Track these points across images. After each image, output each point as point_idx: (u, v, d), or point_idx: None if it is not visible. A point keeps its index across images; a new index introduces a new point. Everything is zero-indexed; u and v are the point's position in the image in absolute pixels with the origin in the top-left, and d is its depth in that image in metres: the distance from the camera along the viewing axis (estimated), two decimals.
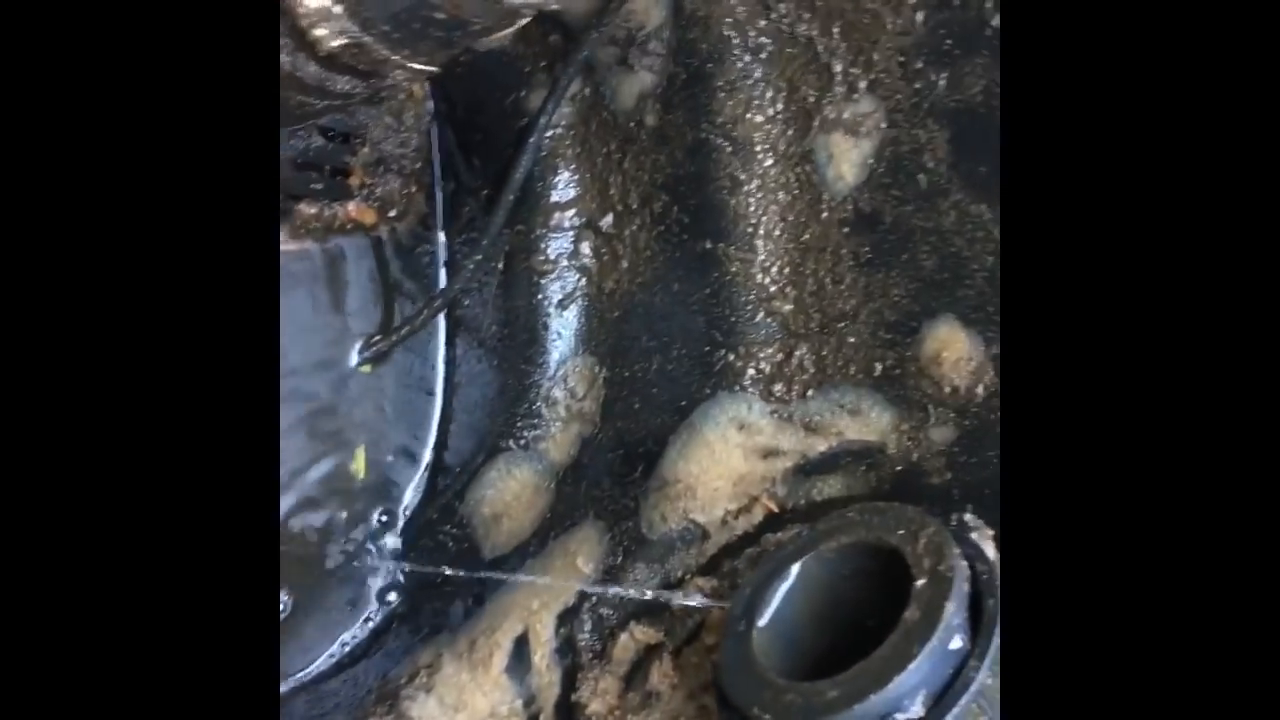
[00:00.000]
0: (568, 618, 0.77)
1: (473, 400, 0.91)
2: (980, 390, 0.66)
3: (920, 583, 0.54)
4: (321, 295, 0.87)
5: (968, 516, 0.60)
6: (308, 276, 0.86)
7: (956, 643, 0.53)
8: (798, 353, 0.75)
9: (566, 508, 0.83)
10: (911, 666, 0.51)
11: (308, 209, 0.84)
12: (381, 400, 0.90)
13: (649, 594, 0.70)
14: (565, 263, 0.86)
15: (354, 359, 0.88)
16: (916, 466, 0.67)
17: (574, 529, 0.81)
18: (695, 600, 0.67)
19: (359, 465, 0.88)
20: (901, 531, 0.57)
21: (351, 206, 0.86)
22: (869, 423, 0.71)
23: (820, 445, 0.73)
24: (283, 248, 0.84)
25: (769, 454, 0.75)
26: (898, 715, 0.52)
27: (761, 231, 0.77)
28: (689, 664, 0.69)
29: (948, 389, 0.67)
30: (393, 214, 0.89)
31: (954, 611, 0.52)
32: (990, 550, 0.59)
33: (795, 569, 0.60)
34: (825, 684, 0.53)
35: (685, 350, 0.80)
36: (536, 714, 0.74)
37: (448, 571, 0.82)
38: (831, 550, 0.60)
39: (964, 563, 0.55)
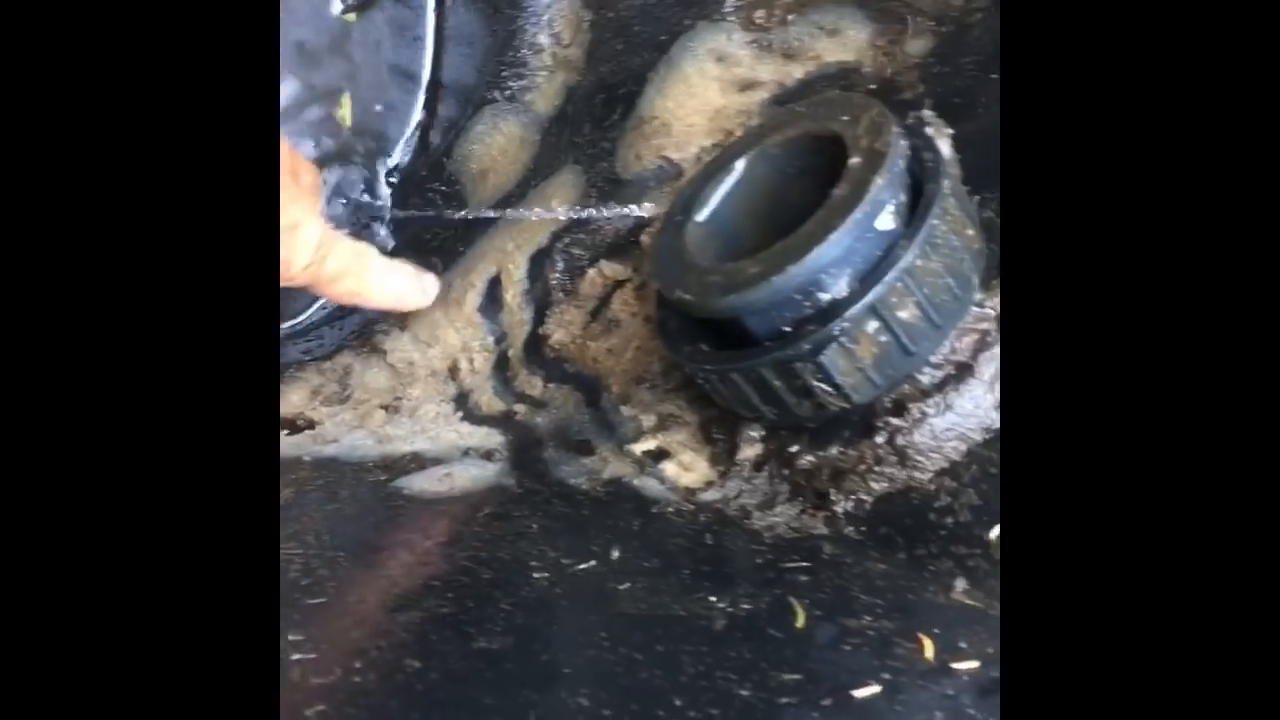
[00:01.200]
0: (540, 258, 0.76)
1: (462, 53, 0.87)
2: None
3: (854, 160, 0.51)
4: None
5: (925, 113, 0.57)
6: None
7: (888, 222, 0.50)
8: None
9: (549, 157, 0.80)
10: (831, 238, 0.49)
11: None
12: (370, 52, 0.87)
13: (597, 212, 0.68)
14: None
15: (337, 7, 0.85)
16: (890, 82, 0.63)
17: (553, 176, 0.79)
18: (647, 210, 0.65)
19: (345, 112, 0.86)
20: (845, 117, 0.54)
21: None
22: (847, 42, 0.67)
23: (798, 72, 0.69)
24: None
25: (746, 86, 0.71)
26: (820, 294, 0.50)
27: None
28: (650, 294, 0.67)
29: None
30: None
31: (882, 186, 0.49)
32: (945, 147, 0.55)
33: (739, 165, 0.57)
34: (747, 262, 0.51)
35: None
36: (506, 349, 0.74)
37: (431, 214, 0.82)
38: (776, 145, 0.57)
39: (903, 143, 0.51)
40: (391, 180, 0.88)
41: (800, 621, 0.44)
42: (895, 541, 0.50)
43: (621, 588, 0.48)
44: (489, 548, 0.52)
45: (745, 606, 0.45)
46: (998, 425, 0.50)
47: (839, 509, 0.52)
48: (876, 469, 0.52)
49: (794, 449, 0.54)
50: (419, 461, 0.63)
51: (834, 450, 0.53)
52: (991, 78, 0.58)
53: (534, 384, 0.70)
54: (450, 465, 0.62)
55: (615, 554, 0.51)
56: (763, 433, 0.56)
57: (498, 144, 0.84)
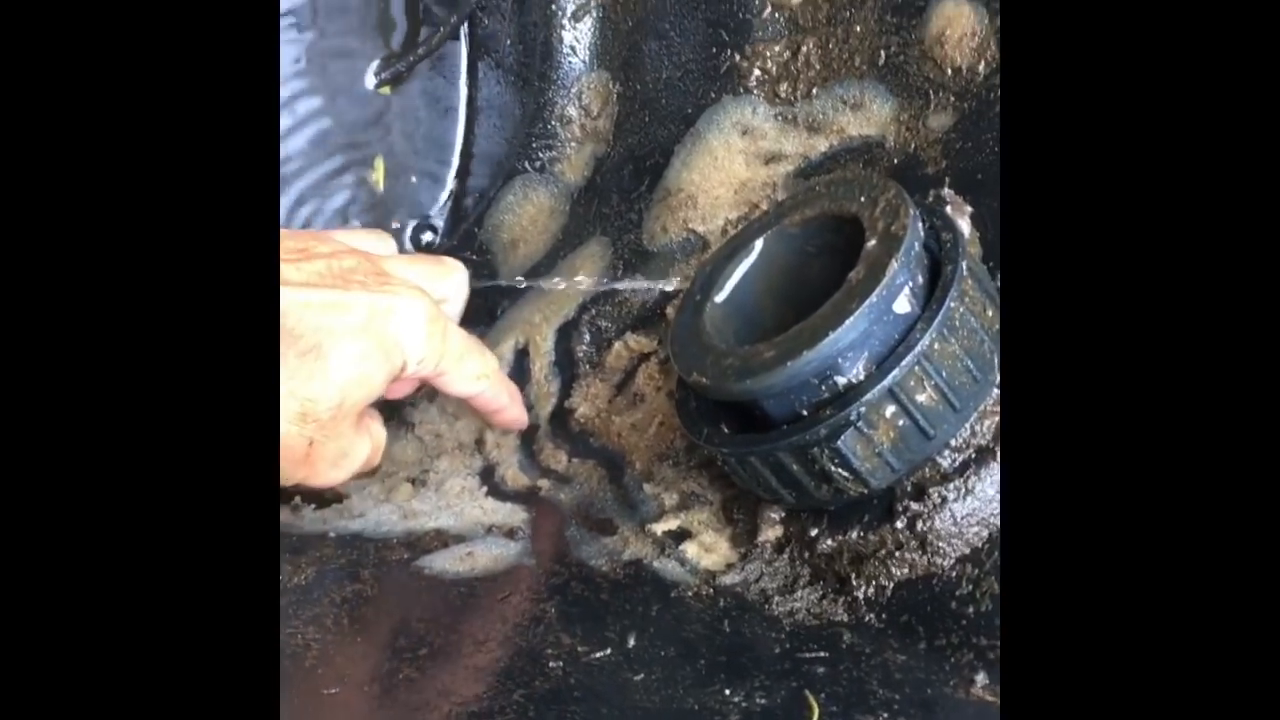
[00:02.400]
0: (567, 330, 0.76)
1: (493, 124, 0.88)
2: (981, 68, 0.61)
3: (870, 243, 0.51)
4: (336, 13, 0.85)
5: (945, 192, 0.56)
6: None
7: (904, 305, 0.50)
8: (804, 48, 0.70)
9: (577, 227, 0.81)
10: (848, 323, 0.48)
11: None
12: (405, 124, 0.89)
13: (623, 285, 0.69)
14: None
15: (371, 81, 0.87)
16: (913, 157, 0.63)
17: (581, 247, 0.79)
18: (673, 285, 0.65)
19: (378, 175, 0.87)
20: (863, 198, 0.53)
21: None
22: (870, 116, 0.66)
23: (822, 145, 0.69)
24: None
25: (771, 159, 0.71)
26: (837, 377, 0.50)
27: None
28: (672, 369, 0.67)
29: (949, 70, 0.62)
30: None
31: (898, 270, 0.49)
32: (964, 225, 0.55)
33: (758, 245, 0.57)
34: (764, 346, 0.51)
35: (693, 55, 0.76)
36: (534, 421, 0.74)
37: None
38: (795, 225, 0.57)
39: (920, 224, 0.51)
40: (423, 243, 0.89)
41: (815, 718, 0.43)
42: (915, 630, 0.49)
43: (636, 678, 0.47)
44: (505, 634, 0.52)
45: (760, 701, 0.44)
46: None
47: (860, 594, 0.51)
48: (897, 554, 0.51)
49: (814, 532, 0.54)
50: (442, 539, 0.63)
51: (854, 534, 0.53)
52: None
53: (559, 459, 0.70)
54: (473, 544, 0.62)
55: (632, 641, 0.50)
56: (783, 515, 0.55)
57: (528, 214, 0.84)
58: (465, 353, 0.64)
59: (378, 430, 0.64)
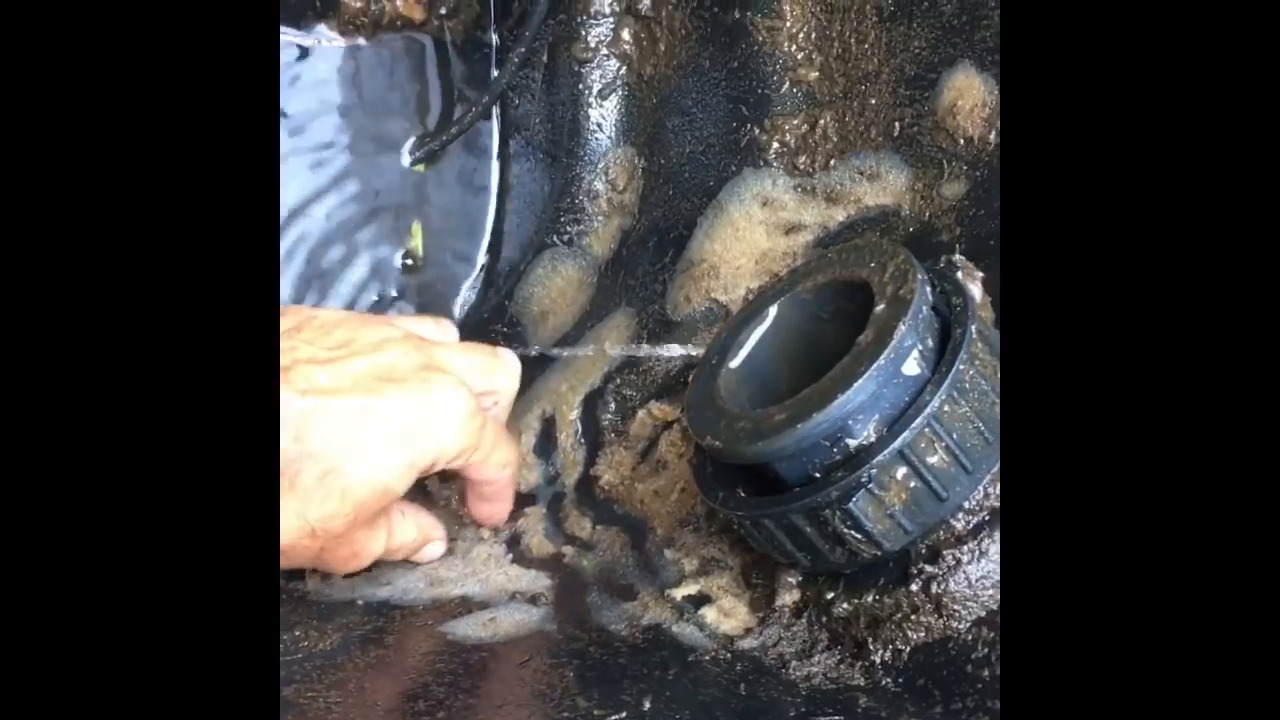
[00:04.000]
0: (593, 400, 0.77)
1: (523, 200, 0.91)
2: (992, 137, 0.62)
3: (879, 307, 0.51)
4: (373, 94, 0.88)
5: (956, 257, 0.57)
6: (358, 74, 0.87)
7: (913, 368, 0.50)
8: (821, 121, 0.72)
9: (605, 299, 0.82)
10: (856, 385, 0.49)
11: (353, 3, 0.85)
12: (438, 201, 0.91)
13: (642, 351, 0.70)
14: (605, 50, 0.84)
15: (406, 159, 0.90)
16: (928, 224, 0.64)
17: (607, 317, 0.81)
18: (680, 352, 0.66)
19: (416, 242, 0.89)
20: (873, 264, 0.54)
21: (399, 1, 0.87)
22: (886, 186, 0.68)
23: (840, 215, 0.70)
24: (330, 44, 0.86)
25: (791, 229, 0.72)
26: (848, 440, 0.50)
27: None
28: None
29: (962, 140, 0.63)
30: (443, 11, 0.89)
31: (906, 332, 0.49)
32: (976, 290, 0.56)
33: (772, 311, 0.58)
34: (775, 409, 0.52)
35: (714, 130, 0.78)
36: (561, 489, 0.75)
37: None
38: (808, 291, 0.58)
39: (928, 288, 0.51)
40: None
41: None
42: (932, 694, 0.49)
43: None
44: (522, 698, 0.52)
45: None
46: None
47: (876, 658, 0.51)
48: (913, 618, 0.51)
49: (830, 595, 0.54)
50: (467, 605, 0.63)
51: (870, 598, 0.53)
52: None
53: (583, 526, 0.70)
54: (496, 609, 0.62)
55: (647, 704, 0.50)
56: (800, 579, 0.56)
57: (556, 286, 0.86)
58: (496, 444, 0.64)
59: (401, 526, 0.64)
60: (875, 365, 0.49)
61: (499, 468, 0.66)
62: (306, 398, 0.55)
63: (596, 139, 0.85)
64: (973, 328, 0.51)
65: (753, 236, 0.73)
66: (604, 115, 0.85)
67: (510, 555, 0.70)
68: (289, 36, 0.84)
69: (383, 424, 0.58)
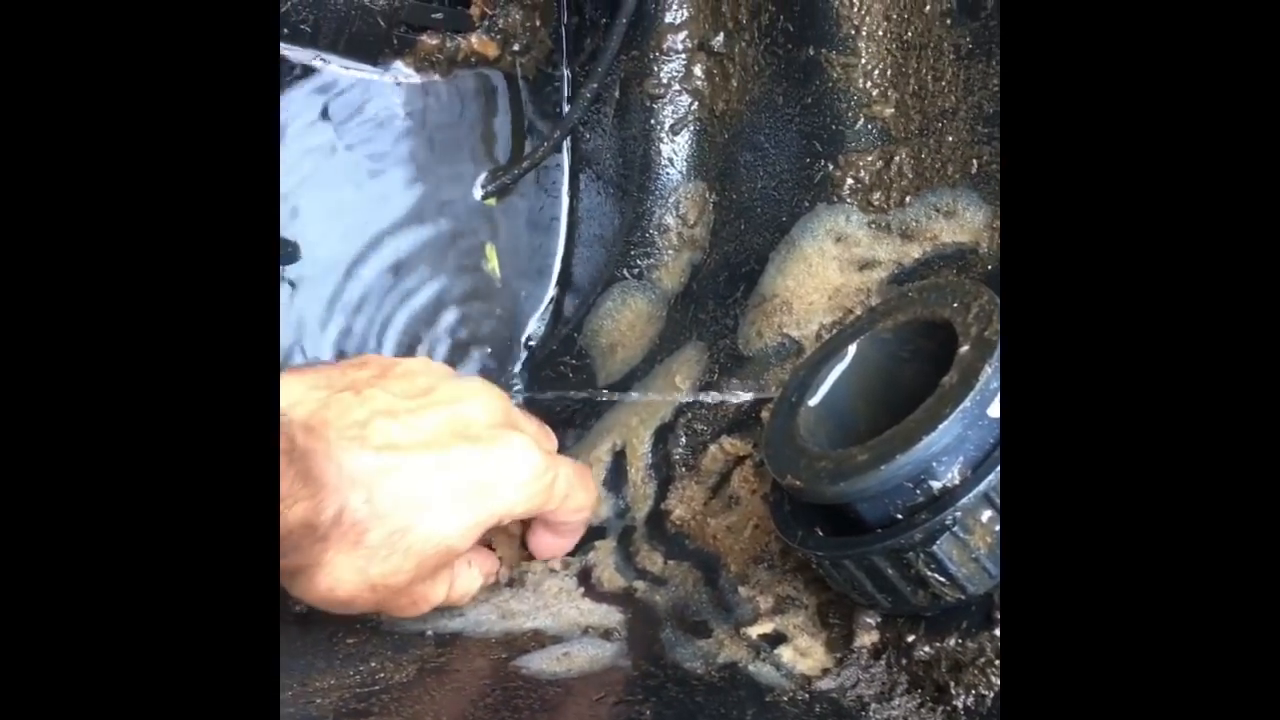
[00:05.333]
0: (664, 433, 0.77)
1: (593, 233, 0.91)
2: None
3: (964, 349, 0.51)
4: (447, 130, 0.90)
5: None
6: (433, 109, 0.89)
7: (998, 410, 0.50)
8: (897, 158, 0.72)
9: (674, 332, 0.83)
10: (941, 427, 0.48)
11: (429, 41, 0.86)
12: (509, 234, 0.92)
13: (709, 397, 0.70)
14: (677, 86, 0.85)
15: (478, 193, 0.91)
16: None
17: (678, 352, 0.81)
18: (747, 396, 0.66)
19: (493, 264, 0.90)
20: (955, 304, 0.54)
21: (474, 39, 0.88)
22: (964, 223, 0.67)
23: (915, 252, 0.70)
24: (407, 80, 0.87)
25: (865, 265, 0.72)
26: (932, 482, 0.50)
27: (864, 32, 0.73)
28: (767, 472, 0.68)
29: None
30: (516, 48, 0.90)
31: (992, 374, 0.49)
32: None
33: (851, 350, 0.58)
34: (857, 449, 0.51)
35: (787, 165, 0.78)
36: (631, 523, 0.75)
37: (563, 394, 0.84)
38: (888, 329, 0.57)
39: None
40: (528, 348, 0.91)
41: None
42: None
43: None
44: None
45: None
46: None
47: (959, 703, 0.51)
48: (998, 663, 0.50)
49: (911, 638, 0.53)
50: (539, 639, 0.64)
51: (952, 641, 0.52)
52: None
53: (655, 560, 0.70)
54: (569, 644, 0.62)
55: None
56: (879, 620, 0.55)
57: (626, 320, 0.87)
58: (571, 491, 0.65)
59: (464, 575, 0.64)
60: (961, 407, 0.48)
61: (573, 512, 0.66)
62: (381, 455, 0.56)
63: (667, 174, 0.86)
64: None
65: (826, 272, 0.73)
66: (675, 150, 0.85)
67: (581, 589, 0.70)
68: (362, 73, 0.85)
69: (451, 482, 0.58)
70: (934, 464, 0.49)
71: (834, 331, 0.70)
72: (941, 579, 0.50)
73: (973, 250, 0.66)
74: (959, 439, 0.49)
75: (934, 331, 0.55)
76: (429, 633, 0.66)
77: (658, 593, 0.67)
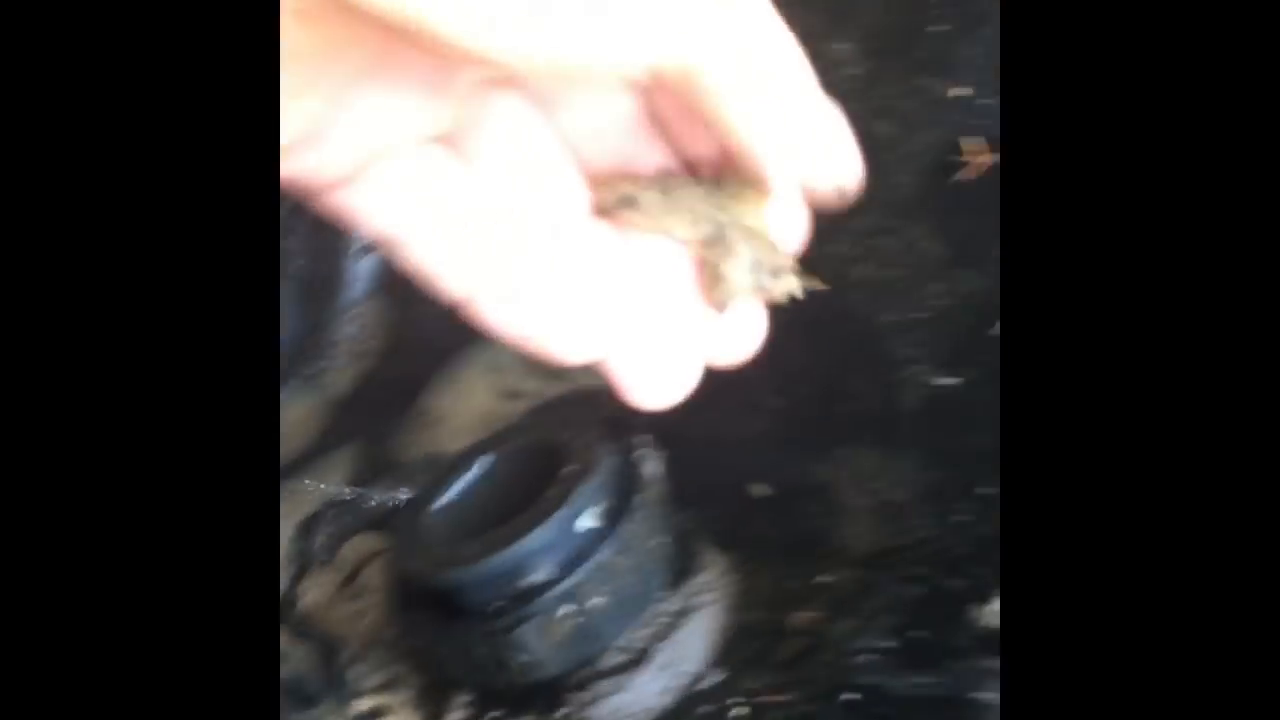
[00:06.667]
0: (307, 525, 0.83)
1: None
2: None
3: (567, 468, 0.61)
4: None
5: (644, 436, 0.67)
6: None
7: (588, 522, 0.60)
8: None
9: (341, 432, 0.89)
10: (535, 532, 0.58)
11: None
12: None
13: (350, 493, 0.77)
14: None
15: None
16: (623, 407, 0.74)
17: (338, 450, 0.87)
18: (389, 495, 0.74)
19: None
20: (571, 432, 0.64)
21: None
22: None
23: (557, 389, 0.80)
24: None
25: (513, 395, 0.82)
26: (526, 578, 0.59)
27: None
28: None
29: None
30: None
31: (583, 493, 0.59)
32: (653, 467, 0.66)
33: (479, 462, 0.67)
34: (465, 546, 0.60)
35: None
36: None
37: None
38: (513, 448, 0.67)
39: (610, 458, 0.62)
40: None
41: None
42: None
43: None
44: None
45: None
46: (659, 708, 0.58)
47: None
48: None
49: (495, 715, 0.61)
50: None
51: (530, 718, 0.60)
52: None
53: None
54: None
55: None
56: (471, 697, 0.63)
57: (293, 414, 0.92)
58: None
59: None
60: (552, 518, 0.58)
61: None
62: None
63: (349, 290, 0.93)
64: (640, 497, 0.61)
65: (479, 397, 0.82)
66: (358, 273, 0.93)
67: None
68: None
69: None
70: (527, 562, 0.58)
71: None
72: (524, 660, 0.58)
73: (606, 391, 0.77)
74: (550, 544, 0.58)
75: (551, 453, 0.65)
76: None
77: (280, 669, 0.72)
